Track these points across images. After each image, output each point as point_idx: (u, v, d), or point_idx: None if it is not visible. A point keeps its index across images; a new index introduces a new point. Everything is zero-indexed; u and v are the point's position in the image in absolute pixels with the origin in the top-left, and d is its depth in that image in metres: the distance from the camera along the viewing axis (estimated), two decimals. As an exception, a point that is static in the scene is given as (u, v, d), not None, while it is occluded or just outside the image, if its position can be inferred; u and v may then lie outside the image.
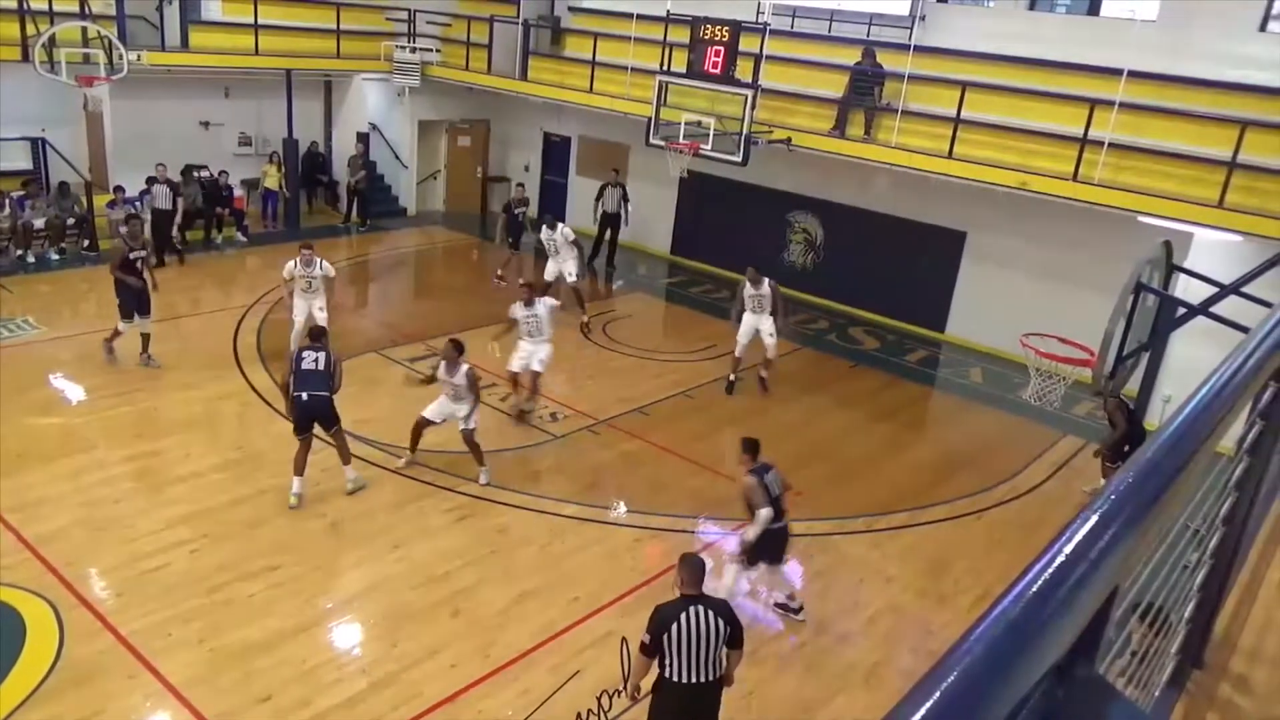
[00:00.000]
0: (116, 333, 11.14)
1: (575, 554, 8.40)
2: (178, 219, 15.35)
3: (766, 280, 12.01)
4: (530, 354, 10.79)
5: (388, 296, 16.52)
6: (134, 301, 11.05)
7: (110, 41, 14.40)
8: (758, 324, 11.97)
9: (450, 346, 9.10)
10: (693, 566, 5.46)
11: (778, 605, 7.76)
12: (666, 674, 5.42)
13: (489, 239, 19.65)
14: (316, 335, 9.03)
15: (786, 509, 7.40)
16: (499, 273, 16.17)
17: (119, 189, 15.37)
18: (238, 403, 10.69)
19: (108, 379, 10.82)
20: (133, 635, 6.72)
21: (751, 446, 7.42)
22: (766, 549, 7.39)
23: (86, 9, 14.47)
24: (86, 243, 15.13)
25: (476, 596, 7.62)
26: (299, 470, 8.61)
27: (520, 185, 17.51)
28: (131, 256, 11.04)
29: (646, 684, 5.70)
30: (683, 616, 5.29)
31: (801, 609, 7.72)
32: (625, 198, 17.08)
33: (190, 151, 16.87)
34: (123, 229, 11.77)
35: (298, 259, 11.35)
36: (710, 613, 5.33)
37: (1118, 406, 9.68)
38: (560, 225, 14.14)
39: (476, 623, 7.30)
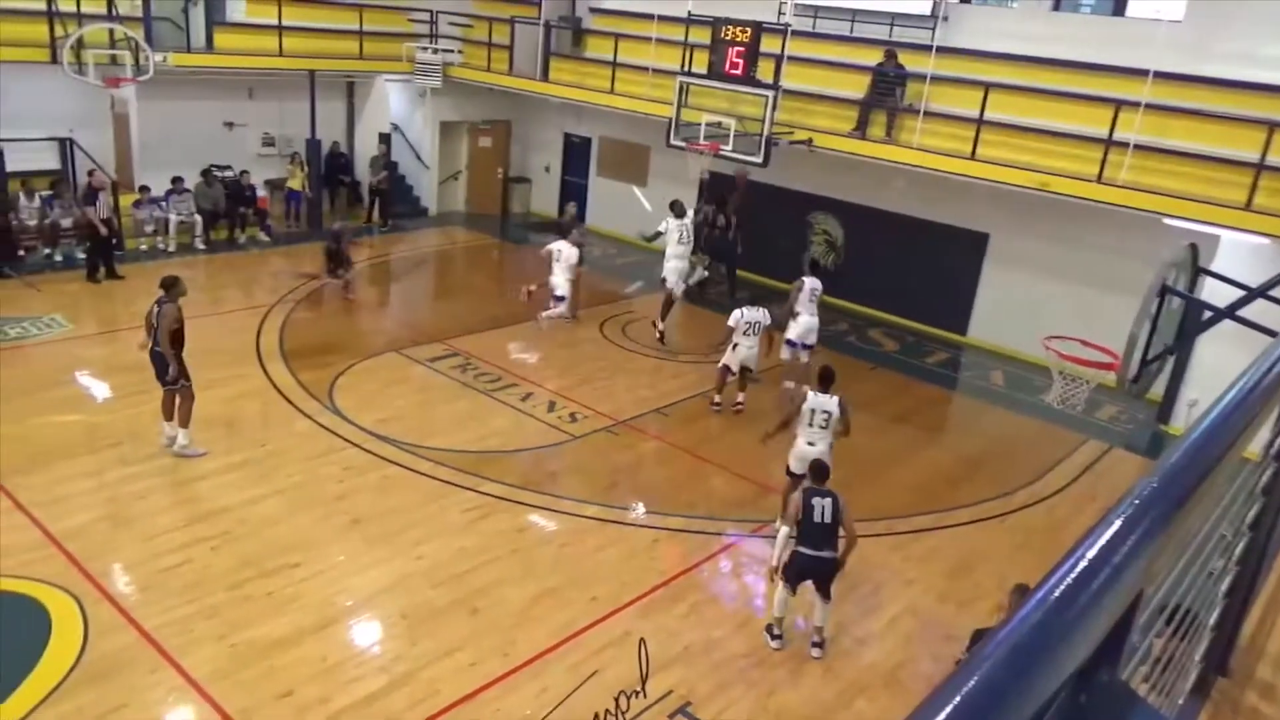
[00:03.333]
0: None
1: (594, 554, 8.41)
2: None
3: None
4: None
5: (409, 296, 16.61)
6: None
7: (137, 43, 14.57)
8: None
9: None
10: (1023, 596, 5.38)
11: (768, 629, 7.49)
12: None
13: (510, 240, 19.75)
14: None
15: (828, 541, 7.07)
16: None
17: (144, 189, 15.56)
18: (260, 401, 10.78)
19: (133, 377, 10.91)
20: (155, 630, 6.79)
21: (817, 471, 7.25)
22: (793, 570, 7.25)
23: (114, 11, 14.64)
24: (113, 241, 15.28)
25: (496, 595, 7.64)
26: None
27: (572, 204, 17.07)
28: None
29: None
30: None
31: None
32: (731, 221, 15.86)
33: (214, 152, 17.03)
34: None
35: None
36: None
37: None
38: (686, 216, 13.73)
39: (495, 621, 7.32)
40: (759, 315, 11.09)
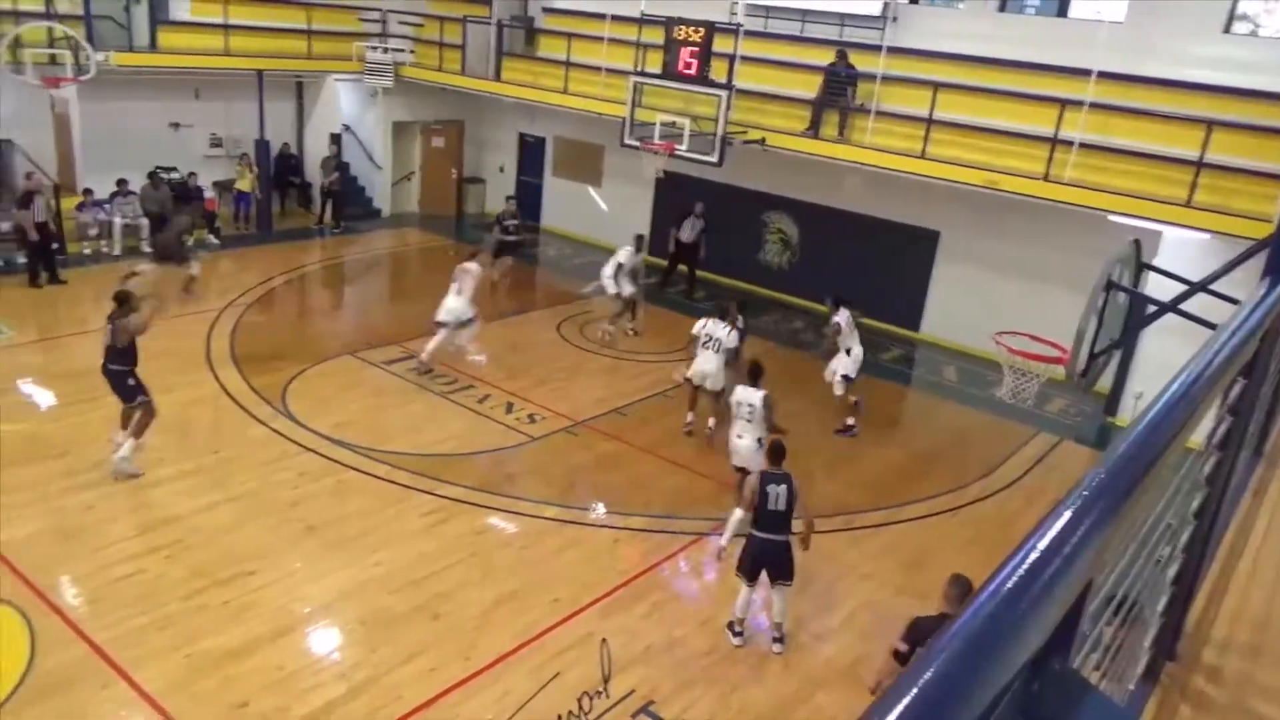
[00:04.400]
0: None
1: (555, 555, 8.38)
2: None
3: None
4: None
5: (362, 299, 16.42)
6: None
7: (77, 42, 14.21)
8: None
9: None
10: (961, 587, 5.45)
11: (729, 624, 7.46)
12: None
13: (464, 240, 19.60)
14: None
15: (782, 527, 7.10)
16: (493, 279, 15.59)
17: (88, 191, 15.19)
18: (211, 407, 10.58)
19: (78, 384, 10.66)
20: (107, 643, 6.64)
21: (774, 452, 7.36)
22: (748, 558, 7.27)
23: (52, 9, 14.27)
24: (54, 246, 14.89)
25: (456, 599, 7.58)
26: None
27: (511, 198, 16.78)
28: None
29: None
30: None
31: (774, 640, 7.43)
32: (705, 229, 16.32)
33: (160, 153, 16.69)
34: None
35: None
36: None
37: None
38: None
39: (456, 626, 7.27)
40: (720, 332, 10.44)
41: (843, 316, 11.19)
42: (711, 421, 10.76)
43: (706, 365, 10.46)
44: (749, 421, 8.83)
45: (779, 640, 7.37)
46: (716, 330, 10.44)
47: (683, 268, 16.71)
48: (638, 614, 7.66)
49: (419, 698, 6.46)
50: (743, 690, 6.93)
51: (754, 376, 9.01)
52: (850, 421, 11.53)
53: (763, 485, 7.08)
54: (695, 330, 10.67)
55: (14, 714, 5.94)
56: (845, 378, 11.29)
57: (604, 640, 6.56)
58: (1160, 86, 12.34)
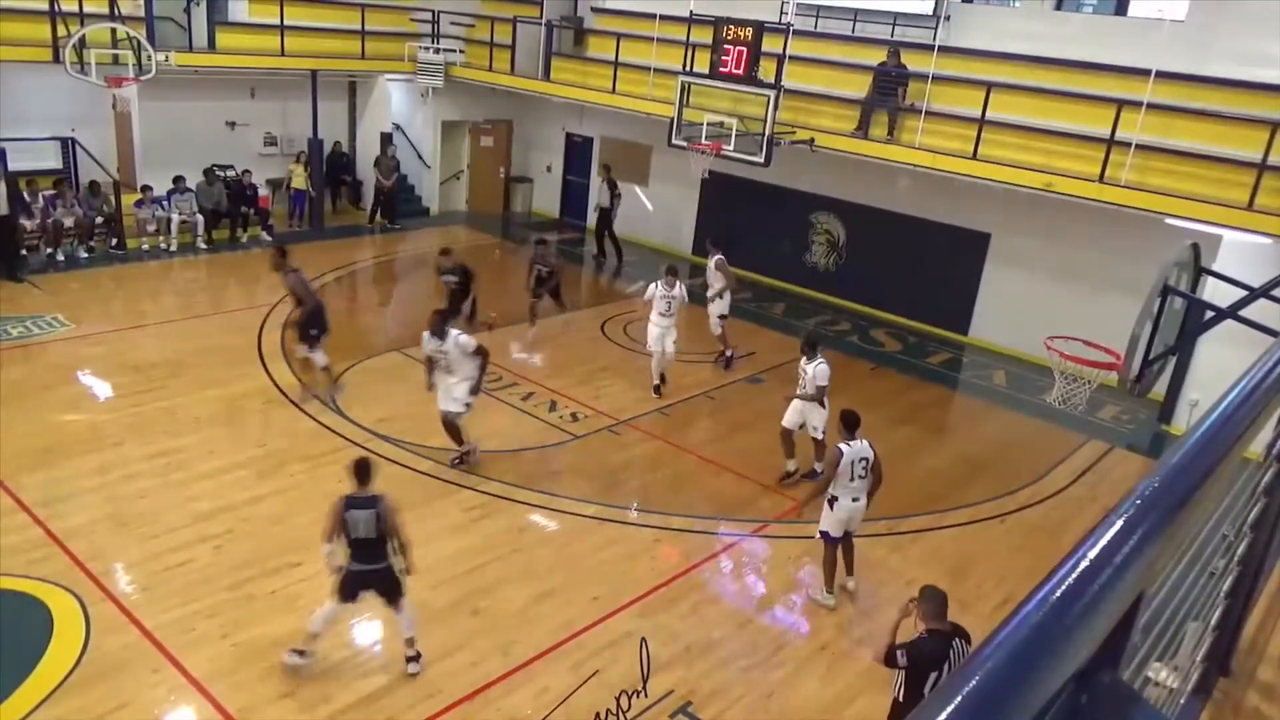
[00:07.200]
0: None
1: (595, 554, 8.40)
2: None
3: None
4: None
5: (410, 296, 16.60)
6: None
7: (139, 43, 14.57)
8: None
9: (432, 317, 9.15)
10: (935, 600, 5.34)
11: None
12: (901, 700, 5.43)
13: (511, 239, 19.75)
14: None
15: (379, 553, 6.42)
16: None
17: (146, 188, 15.57)
18: (261, 400, 10.78)
19: (134, 377, 10.94)
20: (157, 629, 6.80)
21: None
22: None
23: (116, 11, 14.64)
24: (115, 241, 15.32)
25: (496, 595, 7.64)
26: None
27: (541, 241, 14.46)
28: None
29: None
30: (952, 655, 5.22)
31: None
32: (614, 188, 17.66)
33: (217, 151, 17.04)
34: None
35: (662, 281, 11.72)
36: (965, 646, 5.26)
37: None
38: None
39: (496, 621, 7.32)
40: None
41: (715, 259, 12.77)
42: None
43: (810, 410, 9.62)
44: (864, 479, 7.68)
45: (413, 659, 6.67)
46: (807, 366, 9.47)
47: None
48: (677, 614, 7.65)
49: (458, 692, 6.51)
50: (781, 694, 6.89)
51: (854, 427, 7.68)
52: (728, 353, 13.08)
53: (343, 509, 6.24)
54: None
55: (71, 694, 6.11)
56: (721, 316, 12.91)
57: (643, 639, 6.57)
58: (1222, 86, 12.01)
